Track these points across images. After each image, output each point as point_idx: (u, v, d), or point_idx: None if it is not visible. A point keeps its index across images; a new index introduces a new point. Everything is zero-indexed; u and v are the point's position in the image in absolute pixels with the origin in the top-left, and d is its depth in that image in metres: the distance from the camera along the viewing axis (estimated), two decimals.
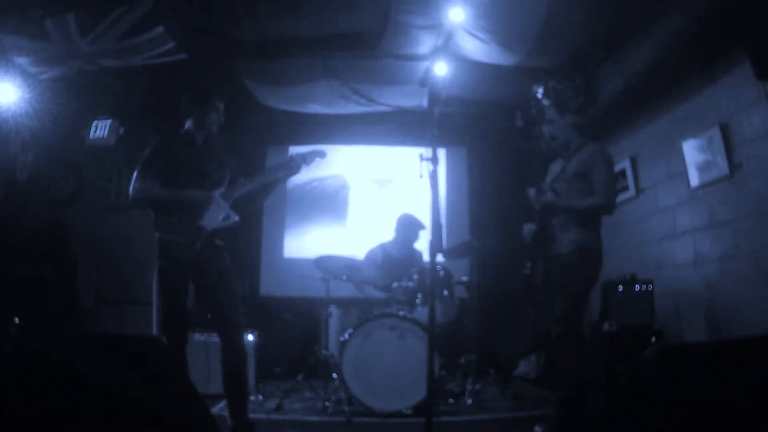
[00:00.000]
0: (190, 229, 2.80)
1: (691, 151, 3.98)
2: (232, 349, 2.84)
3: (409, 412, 3.55)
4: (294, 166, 3.08)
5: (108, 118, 5.11)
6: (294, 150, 6.42)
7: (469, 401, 3.99)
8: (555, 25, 3.68)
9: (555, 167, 3.14)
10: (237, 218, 2.92)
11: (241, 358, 2.89)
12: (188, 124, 3.02)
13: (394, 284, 4.21)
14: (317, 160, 3.17)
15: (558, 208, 2.96)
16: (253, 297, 5.97)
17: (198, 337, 4.21)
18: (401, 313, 3.84)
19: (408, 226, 4.79)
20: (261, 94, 5.12)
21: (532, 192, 3.00)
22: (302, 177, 6.35)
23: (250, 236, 6.11)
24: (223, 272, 2.89)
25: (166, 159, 2.87)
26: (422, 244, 4.87)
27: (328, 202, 6.46)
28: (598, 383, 2.96)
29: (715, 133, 3.71)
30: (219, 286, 2.85)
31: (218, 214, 2.87)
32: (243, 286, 5.47)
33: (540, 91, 3.03)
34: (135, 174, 2.85)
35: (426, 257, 4.69)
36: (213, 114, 3.00)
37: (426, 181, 2.42)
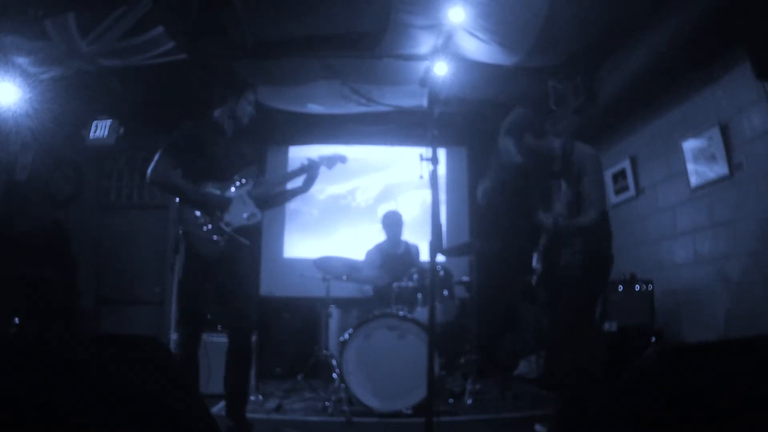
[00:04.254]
0: (216, 225, 2.77)
1: (691, 151, 3.98)
2: (238, 349, 2.85)
3: (409, 412, 3.55)
4: (315, 167, 3.08)
5: (108, 118, 5.11)
6: (294, 150, 6.44)
7: (469, 401, 3.99)
8: (555, 25, 3.68)
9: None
10: (260, 217, 2.91)
11: (246, 359, 2.89)
12: (218, 113, 2.96)
13: (395, 284, 4.22)
14: (338, 164, 3.17)
15: (570, 229, 2.87)
16: None
17: None
18: (401, 313, 3.83)
19: (390, 223, 4.83)
20: (261, 94, 5.11)
21: (542, 216, 2.93)
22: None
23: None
24: (244, 272, 2.87)
25: (192, 145, 2.81)
26: (420, 241, 4.87)
27: (328, 202, 6.46)
28: (598, 383, 2.95)
29: (715, 133, 3.71)
30: (238, 286, 2.84)
31: (243, 212, 2.85)
32: None
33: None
34: (157, 155, 2.77)
35: (424, 254, 4.70)
36: (247, 106, 2.96)
37: (426, 182, 2.42)
